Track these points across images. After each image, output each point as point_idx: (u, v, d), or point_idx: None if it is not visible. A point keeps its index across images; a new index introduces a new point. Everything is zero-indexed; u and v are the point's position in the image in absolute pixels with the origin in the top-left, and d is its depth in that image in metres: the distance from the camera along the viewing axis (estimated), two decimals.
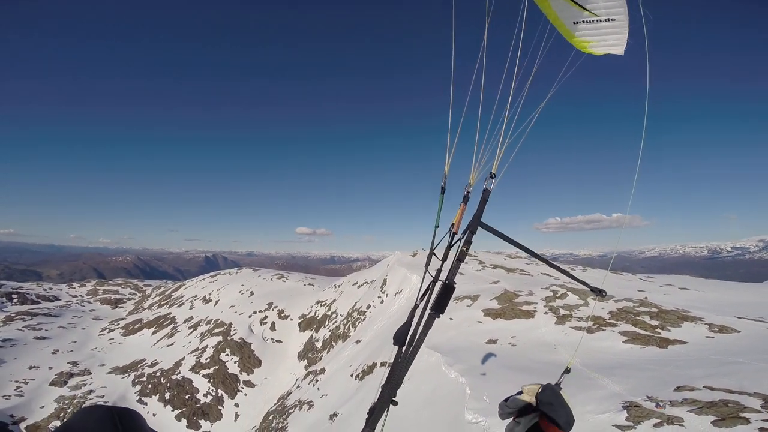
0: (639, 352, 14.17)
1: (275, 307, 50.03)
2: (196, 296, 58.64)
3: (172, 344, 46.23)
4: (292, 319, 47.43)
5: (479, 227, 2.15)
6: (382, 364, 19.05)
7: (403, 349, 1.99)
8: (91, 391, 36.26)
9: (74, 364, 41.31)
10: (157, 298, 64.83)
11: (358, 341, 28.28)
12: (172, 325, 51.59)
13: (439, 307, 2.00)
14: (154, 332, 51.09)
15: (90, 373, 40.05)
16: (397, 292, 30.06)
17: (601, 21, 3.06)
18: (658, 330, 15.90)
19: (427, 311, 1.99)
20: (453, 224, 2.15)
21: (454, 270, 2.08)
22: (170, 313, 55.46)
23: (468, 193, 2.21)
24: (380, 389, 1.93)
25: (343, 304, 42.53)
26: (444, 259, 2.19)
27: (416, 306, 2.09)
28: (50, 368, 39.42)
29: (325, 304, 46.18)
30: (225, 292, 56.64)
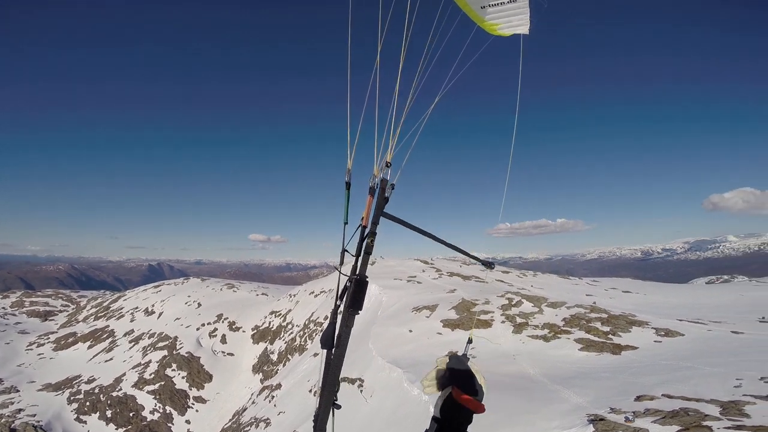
0: (595, 360, 14.51)
1: (226, 318, 47.87)
2: (137, 308, 55.06)
3: (111, 359, 43.45)
4: (244, 331, 45.56)
5: (384, 218, 2.09)
6: (343, 379, 18.33)
7: (333, 351, 1.94)
8: (20, 410, 33.39)
9: None
10: (93, 310, 60.25)
11: (315, 354, 27.35)
12: (110, 339, 48.35)
13: (355, 303, 1.92)
14: (90, 346, 47.70)
15: (17, 391, 36.90)
16: None
17: (505, 3, 3.20)
18: (610, 336, 16.45)
19: (346, 310, 1.92)
20: (362, 218, 2.08)
21: (363, 264, 2.00)
22: (108, 326, 51.82)
23: (374, 185, 2.13)
24: (319, 395, 1.91)
25: (300, 315, 41.28)
26: (358, 254, 2.04)
27: (336, 307, 2.00)
28: None
29: (280, 314, 44.60)
30: (170, 303, 53.49)
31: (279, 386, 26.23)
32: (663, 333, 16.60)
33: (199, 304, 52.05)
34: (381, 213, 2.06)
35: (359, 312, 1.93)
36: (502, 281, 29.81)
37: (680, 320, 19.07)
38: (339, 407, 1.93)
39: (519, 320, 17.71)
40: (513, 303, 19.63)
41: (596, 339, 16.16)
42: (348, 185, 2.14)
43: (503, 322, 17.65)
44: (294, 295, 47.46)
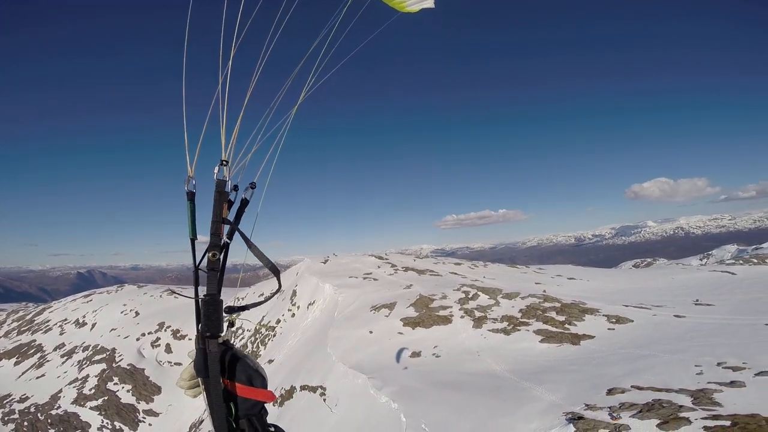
0: (557, 352, 14.69)
1: (168, 326, 45.36)
2: (66, 320, 51.16)
3: (43, 375, 40.43)
4: (190, 339, 43.02)
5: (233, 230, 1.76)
6: (303, 387, 17.37)
7: (209, 377, 1.63)
8: None
9: None
10: (15, 324, 55.63)
11: (270, 361, 26.04)
12: (39, 354, 44.89)
13: (210, 326, 1.63)
14: (17, 363, 44.13)
15: None
16: (309, 304, 28.32)
17: None
18: (566, 326, 16.83)
19: (202, 337, 1.63)
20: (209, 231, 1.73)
21: (210, 282, 1.68)
22: (35, 341, 48.06)
23: (217, 189, 1.75)
24: (211, 420, 1.60)
25: (249, 318, 39.35)
26: (209, 271, 1.70)
27: (199, 333, 1.67)
28: None
29: (227, 319, 42.41)
30: (103, 313, 50.07)
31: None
32: (614, 320, 17.27)
33: (137, 313, 49.18)
34: (224, 221, 1.71)
35: (219, 336, 1.63)
36: (456, 273, 30.06)
37: (626, 306, 20.06)
38: (241, 431, 1.66)
39: (477, 314, 17.69)
40: (470, 296, 19.63)
41: (554, 329, 16.46)
42: (191, 195, 1.71)
43: (462, 317, 17.55)
44: (242, 299, 45.31)
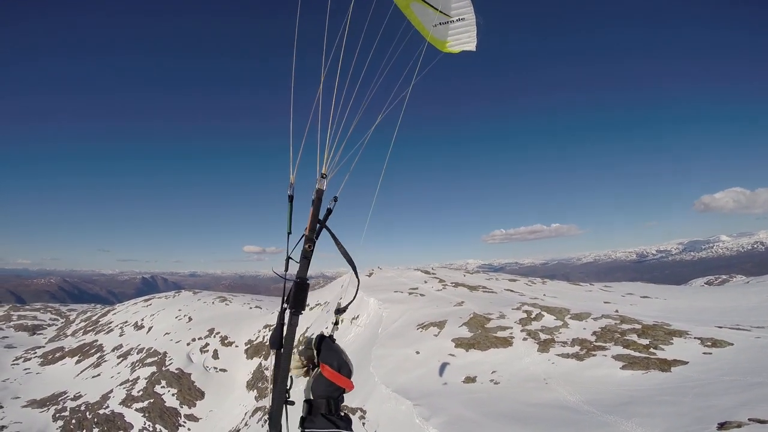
0: (643, 380, 12.17)
1: (217, 333, 45.95)
2: (126, 322, 53.31)
3: (99, 375, 41.81)
4: (237, 346, 43.61)
5: (324, 228, 2.25)
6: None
7: (281, 350, 1.99)
8: (3, 427, 32.89)
9: None
10: (82, 324, 58.56)
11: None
12: (98, 354, 46.79)
13: (296, 304, 2.05)
14: (78, 362, 46.19)
15: (1, 407, 35.87)
16: (353, 318, 26.89)
17: (454, 21, 3.45)
18: (652, 350, 14.12)
19: (289, 311, 2.04)
20: (306, 228, 2.21)
21: (302, 268, 2.12)
22: (97, 341, 50.30)
23: (317, 196, 2.27)
24: (271, 393, 1.95)
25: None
26: (302, 259, 2.14)
27: (282, 309, 2.07)
28: None
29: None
30: (160, 317, 51.81)
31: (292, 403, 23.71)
32: (709, 343, 14.30)
33: (190, 318, 50.32)
34: (318, 221, 2.22)
35: (302, 312, 2.03)
36: (512, 290, 27.44)
37: (719, 327, 16.88)
38: (292, 404, 1.95)
39: (543, 336, 15.32)
40: (532, 316, 17.25)
41: (637, 354, 13.82)
42: (291, 198, 2.27)
43: (525, 339, 15.24)
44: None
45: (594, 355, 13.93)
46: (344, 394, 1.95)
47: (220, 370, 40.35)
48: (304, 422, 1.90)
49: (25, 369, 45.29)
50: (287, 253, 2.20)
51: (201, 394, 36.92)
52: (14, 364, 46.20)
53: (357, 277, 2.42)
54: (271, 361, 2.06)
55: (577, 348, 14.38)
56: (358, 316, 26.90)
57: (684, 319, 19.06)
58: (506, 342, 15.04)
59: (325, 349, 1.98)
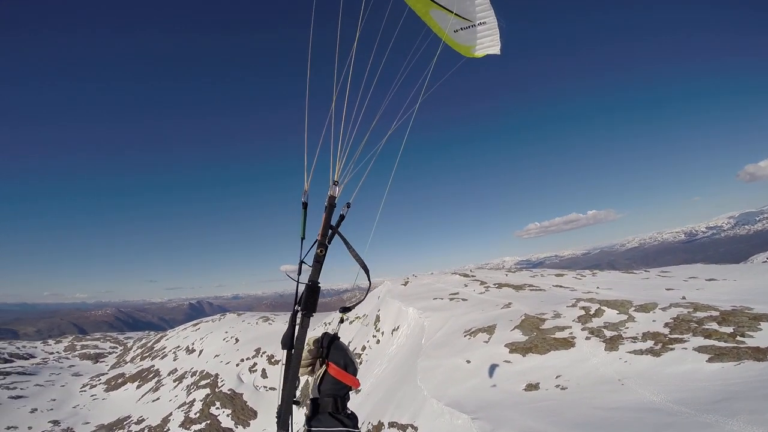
0: (736, 372, 10.49)
1: (264, 352, 46.58)
2: (179, 347, 55.52)
3: (158, 399, 43.40)
4: (283, 364, 43.80)
5: (336, 234, 2.32)
6: (392, 424, 14.77)
7: (292, 351, 2.06)
8: None
9: (56, 422, 38.96)
10: (139, 351, 61.85)
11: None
12: (156, 379, 48.79)
13: (308, 306, 2.13)
14: (139, 386, 48.38)
15: None
16: (393, 329, 25.82)
17: (475, 26, 3.42)
18: (739, 338, 12.34)
19: (300, 313, 2.12)
20: (318, 233, 2.28)
21: (314, 271, 2.21)
22: (153, 366, 52.53)
23: (329, 203, 2.32)
24: (280, 393, 2.01)
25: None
26: (314, 263, 2.23)
27: (294, 311, 2.17)
28: (30, 428, 37.37)
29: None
30: (209, 340, 53.51)
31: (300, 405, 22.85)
32: None
33: (237, 340, 51.33)
34: (330, 227, 2.30)
35: (312, 315, 2.12)
36: (561, 286, 25.59)
37: None
38: (298, 404, 2.01)
39: (608, 333, 13.73)
40: (591, 312, 15.63)
41: (723, 344, 12.08)
42: (305, 205, 2.34)
43: (588, 338, 13.70)
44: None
45: (672, 349, 12.27)
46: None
47: (270, 388, 40.61)
48: (310, 421, 1.90)
49: (92, 395, 47.55)
50: (300, 257, 2.26)
51: (254, 414, 37.26)
52: (82, 391, 48.68)
53: (369, 279, 2.46)
54: (282, 360, 2.06)
55: (650, 343, 12.75)
56: (398, 327, 25.79)
57: (764, 301, 16.93)
58: (567, 343, 13.56)
59: (332, 347, 2.00)
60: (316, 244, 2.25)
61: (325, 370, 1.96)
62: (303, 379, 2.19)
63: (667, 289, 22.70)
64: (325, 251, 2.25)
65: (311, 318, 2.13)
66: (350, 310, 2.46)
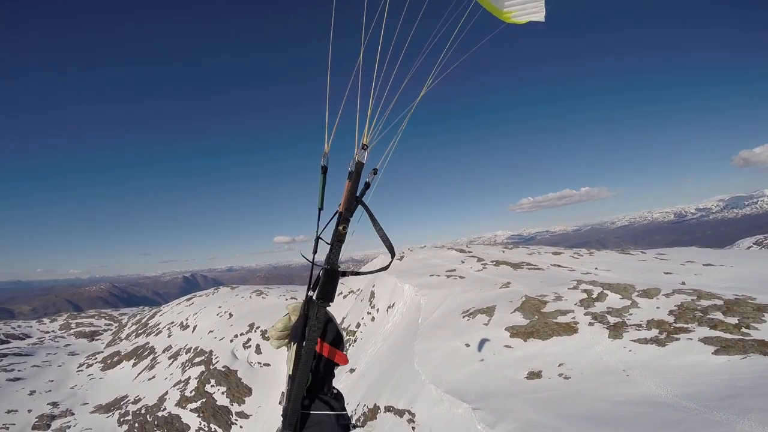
0: (743, 367, 10.24)
1: (257, 327, 46.05)
2: (173, 323, 54.83)
3: (154, 377, 43.12)
4: (291, 359, 44.07)
5: (359, 205, 1.96)
6: (388, 408, 14.56)
7: (303, 344, 1.76)
8: None
9: (54, 404, 38.83)
10: (134, 327, 61.07)
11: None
12: (151, 356, 48.33)
13: (325, 294, 1.79)
14: (135, 364, 48.02)
15: (73, 414, 37.76)
16: (389, 307, 25.57)
17: None
18: (744, 330, 12.10)
19: (316, 302, 1.79)
20: (340, 204, 1.92)
21: (335, 253, 1.84)
22: (148, 343, 51.99)
23: (353, 168, 1.96)
24: (287, 389, 1.76)
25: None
26: (335, 243, 1.85)
27: (308, 298, 1.83)
28: (29, 411, 37.14)
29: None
30: (202, 315, 52.78)
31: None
32: None
33: (231, 315, 50.74)
34: (355, 199, 1.94)
35: (330, 304, 1.81)
36: (559, 265, 25.32)
37: None
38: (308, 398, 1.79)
39: (612, 319, 13.44)
40: (594, 296, 15.31)
41: (729, 336, 11.84)
42: (324, 169, 2.00)
43: (591, 323, 13.40)
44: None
45: (677, 339, 12.01)
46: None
47: (264, 364, 40.40)
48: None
49: (89, 375, 47.47)
50: (317, 232, 1.91)
51: (249, 391, 37.09)
52: (79, 371, 48.52)
53: (392, 257, 2.07)
54: (292, 354, 1.79)
55: (655, 331, 12.48)
56: (393, 304, 25.52)
57: (765, 290, 16.73)
58: (570, 328, 13.26)
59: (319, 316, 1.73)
60: (338, 218, 1.88)
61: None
62: (281, 352, 1.90)
63: (666, 273, 22.52)
64: (347, 227, 1.90)
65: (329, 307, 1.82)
66: (351, 275, 2.09)
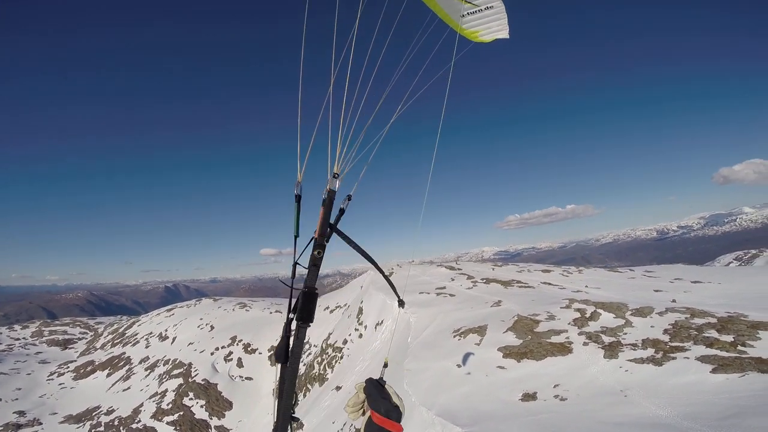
0: (742, 385, 9.98)
1: (240, 340, 45.58)
2: (151, 333, 53.70)
3: (129, 388, 41.71)
4: (261, 353, 43.02)
5: (334, 231, 2.07)
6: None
7: (287, 364, 1.93)
8: None
9: (21, 413, 37.32)
10: (110, 337, 59.67)
11: (338, 388, 23.08)
12: (127, 367, 46.94)
13: (304, 315, 1.93)
14: (109, 374, 46.55)
15: (41, 423, 36.28)
16: (377, 324, 24.99)
17: (482, 10, 3.32)
18: (740, 348, 11.91)
19: (297, 323, 1.93)
20: (315, 231, 2.03)
21: (311, 276, 1.97)
22: (125, 353, 50.52)
23: (326, 196, 2.05)
24: (276, 410, 1.89)
25: (316, 333, 37.81)
26: (311, 267, 1.97)
27: (288, 320, 1.97)
28: None
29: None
30: (183, 327, 52.00)
31: (301, 424, 21.96)
32: None
33: (212, 327, 49.75)
34: (329, 226, 2.02)
35: (310, 325, 1.93)
36: (549, 283, 25.14)
37: None
38: (297, 420, 1.92)
39: (606, 339, 13.15)
40: (587, 315, 15.04)
41: (725, 354, 11.63)
42: (298, 198, 2.05)
43: (586, 343, 13.08)
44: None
45: (673, 358, 11.75)
46: None
47: (246, 378, 39.57)
48: None
49: (60, 384, 45.53)
50: (294, 258, 2.03)
51: (229, 405, 36.24)
52: (49, 380, 46.61)
53: (385, 276, 2.38)
54: (276, 374, 1.88)
55: (650, 351, 12.21)
56: (382, 321, 24.94)
57: (755, 307, 16.70)
58: (564, 348, 12.91)
59: (373, 393, 1.91)
60: (313, 244, 2.00)
61: (369, 417, 1.86)
62: (264, 365, 1.61)
63: (656, 291, 22.51)
64: (323, 253, 2.01)
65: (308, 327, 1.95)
66: (404, 304, 2.34)
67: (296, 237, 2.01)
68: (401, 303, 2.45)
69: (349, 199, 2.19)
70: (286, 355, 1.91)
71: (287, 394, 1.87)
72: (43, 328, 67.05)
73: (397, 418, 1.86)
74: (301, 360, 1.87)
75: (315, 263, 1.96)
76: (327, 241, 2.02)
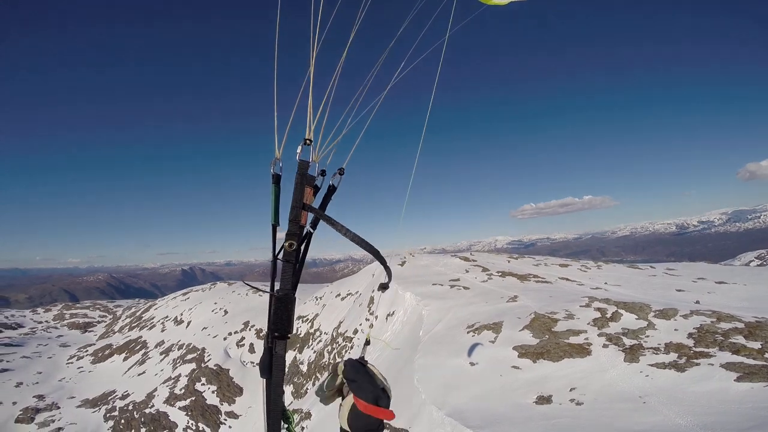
0: (767, 395, 9.52)
1: (252, 326, 46.10)
2: (167, 317, 54.65)
3: (144, 372, 42.52)
4: (264, 392, 43.70)
5: (314, 213, 1.59)
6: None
7: (272, 377, 1.63)
8: (60, 429, 33.48)
9: (40, 397, 38.11)
10: (128, 320, 60.84)
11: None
12: (143, 351, 47.82)
13: (278, 325, 1.54)
14: (125, 359, 47.45)
15: (58, 408, 36.92)
16: (388, 315, 24.81)
17: None
18: (767, 355, 11.35)
19: (271, 335, 1.56)
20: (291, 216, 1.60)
21: (284, 277, 1.56)
22: (141, 337, 51.56)
23: (299, 171, 1.58)
24: (265, 425, 1.60)
25: (327, 320, 37.85)
26: (284, 264, 1.56)
27: (268, 334, 1.60)
28: (14, 403, 36.42)
29: (307, 319, 41.38)
30: (197, 311, 52.71)
31: (309, 415, 22.14)
32: None
33: (226, 312, 50.20)
34: (302, 206, 1.57)
35: (288, 337, 1.59)
36: (567, 279, 24.55)
37: None
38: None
39: (627, 341, 12.69)
40: (608, 315, 14.54)
41: (752, 362, 11.07)
42: (276, 178, 1.57)
43: (605, 345, 12.64)
44: (320, 298, 43.99)
45: (697, 364, 11.25)
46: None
47: (257, 364, 40.14)
48: None
49: (79, 368, 46.62)
50: (273, 253, 1.59)
51: (240, 391, 36.55)
52: (69, 363, 47.74)
53: (385, 266, 1.80)
54: (263, 387, 1.62)
55: (673, 356, 11.73)
56: (393, 312, 24.74)
57: None
58: (583, 350, 12.50)
59: (357, 379, 1.63)
60: (286, 235, 1.58)
61: (353, 406, 1.61)
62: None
63: (678, 290, 21.78)
64: (303, 244, 1.60)
65: (287, 340, 1.59)
66: (387, 288, 1.98)
67: (275, 226, 1.59)
68: (383, 286, 2.00)
69: (341, 174, 1.74)
70: (269, 369, 1.62)
71: (275, 409, 1.61)
72: (65, 311, 69.16)
73: (386, 404, 1.65)
74: (285, 374, 1.57)
75: (288, 259, 1.56)
76: (314, 229, 1.62)
